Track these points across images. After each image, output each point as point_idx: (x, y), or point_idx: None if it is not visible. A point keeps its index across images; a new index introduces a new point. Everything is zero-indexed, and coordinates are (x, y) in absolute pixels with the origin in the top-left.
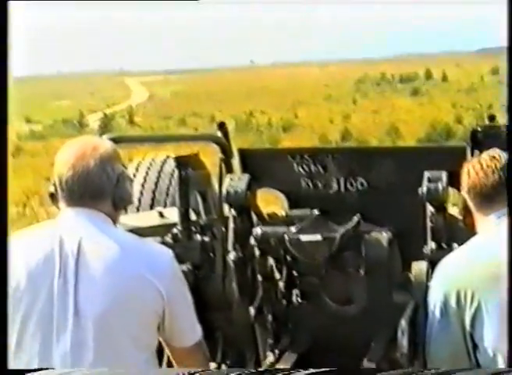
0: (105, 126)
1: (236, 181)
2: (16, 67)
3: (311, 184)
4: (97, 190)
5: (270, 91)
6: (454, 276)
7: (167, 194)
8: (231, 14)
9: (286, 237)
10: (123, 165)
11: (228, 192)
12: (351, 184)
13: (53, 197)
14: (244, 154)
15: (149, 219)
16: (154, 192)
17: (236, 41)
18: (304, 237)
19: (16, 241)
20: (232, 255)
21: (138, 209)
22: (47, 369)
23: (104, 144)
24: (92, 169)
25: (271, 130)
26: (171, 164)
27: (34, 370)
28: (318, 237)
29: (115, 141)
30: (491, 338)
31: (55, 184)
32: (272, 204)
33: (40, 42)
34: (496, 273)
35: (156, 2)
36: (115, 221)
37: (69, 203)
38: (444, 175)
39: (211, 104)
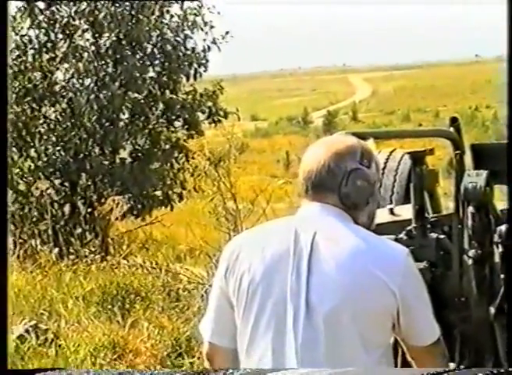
0: (329, 123)
1: (474, 177)
2: (244, 65)
3: None
4: (334, 185)
5: (495, 86)
6: None
7: (392, 191)
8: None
9: None
10: (369, 161)
11: (466, 188)
12: None
13: (300, 194)
14: (477, 149)
15: (379, 216)
16: (378, 189)
17: (460, 35)
18: None
19: (250, 236)
20: (471, 253)
21: None
22: (53, 369)
23: (350, 140)
24: (334, 165)
25: (497, 124)
26: (394, 159)
27: (36, 371)
28: None
29: (356, 136)
30: None
31: (300, 182)
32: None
33: (263, 40)
34: None
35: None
36: (355, 219)
37: (308, 197)
38: None
39: (435, 99)
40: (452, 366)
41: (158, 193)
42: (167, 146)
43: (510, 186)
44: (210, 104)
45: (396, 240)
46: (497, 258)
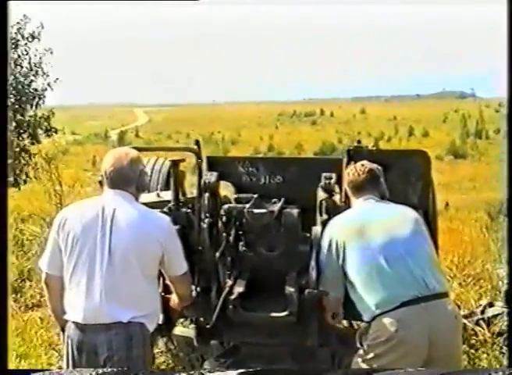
0: (121, 139)
1: (209, 176)
2: (70, 98)
3: (248, 179)
4: (127, 180)
5: (224, 119)
6: (333, 231)
7: (158, 183)
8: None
9: (245, 210)
10: (143, 165)
11: (204, 182)
12: (273, 179)
13: (100, 183)
14: (210, 160)
15: (150, 198)
16: (149, 181)
17: (202, 83)
18: (256, 210)
19: (74, 207)
20: (206, 221)
21: None
22: (49, 370)
23: (133, 152)
24: (125, 166)
25: (224, 143)
26: (159, 163)
27: (36, 370)
28: (264, 210)
29: (137, 149)
30: (352, 268)
31: (102, 175)
32: (224, 190)
33: (78, 80)
34: (358, 230)
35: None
36: (137, 199)
37: (109, 187)
38: (334, 175)
39: (187, 126)
40: (193, 287)
41: (11, 179)
42: (17, 149)
43: (509, 188)
44: (46, 124)
45: (162, 212)
46: (220, 224)
